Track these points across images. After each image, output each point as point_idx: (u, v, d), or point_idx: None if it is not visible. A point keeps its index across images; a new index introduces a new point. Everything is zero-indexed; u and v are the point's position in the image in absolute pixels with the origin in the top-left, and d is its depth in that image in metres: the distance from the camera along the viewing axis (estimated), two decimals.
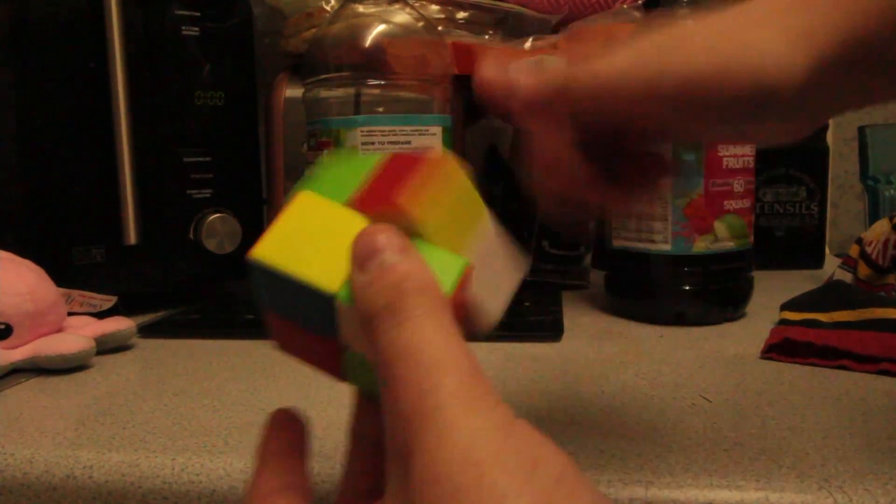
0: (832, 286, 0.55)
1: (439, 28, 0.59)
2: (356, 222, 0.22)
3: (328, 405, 0.38)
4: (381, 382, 0.19)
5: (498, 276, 0.25)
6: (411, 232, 0.22)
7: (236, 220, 0.63)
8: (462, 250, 0.23)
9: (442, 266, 0.21)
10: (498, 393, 0.18)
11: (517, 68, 0.26)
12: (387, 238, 0.20)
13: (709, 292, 0.54)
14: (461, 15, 0.64)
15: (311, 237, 0.22)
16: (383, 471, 0.23)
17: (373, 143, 0.48)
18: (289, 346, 0.25)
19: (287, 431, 0.24)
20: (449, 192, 0.24)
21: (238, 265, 0.64)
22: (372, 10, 0.50)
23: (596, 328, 0.53)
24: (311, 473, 0.24)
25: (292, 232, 0.22)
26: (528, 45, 0.62)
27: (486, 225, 0.25)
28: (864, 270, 0.59)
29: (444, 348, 0.19)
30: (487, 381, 0.18)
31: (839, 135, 0.94)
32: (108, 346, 0.49)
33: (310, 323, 0.23)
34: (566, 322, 0.54)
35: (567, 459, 0.18)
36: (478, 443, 0.17)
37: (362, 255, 0.20)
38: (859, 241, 0.60)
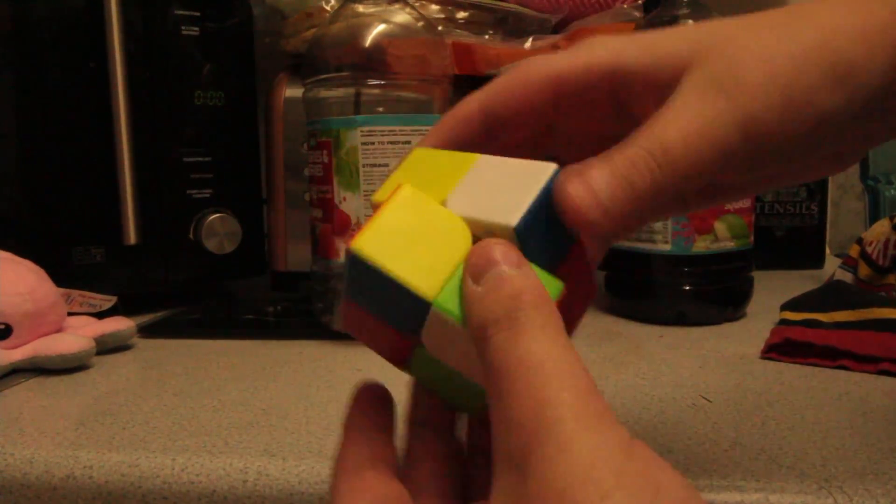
0: (832, 286, 0.55)
1: (439, 28, 0.59)
2: (457, 227, 0.22)
3: (328, 405, 0.38)
4: (491, 391, 0.19)
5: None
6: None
7: (236, 220, 0.63)
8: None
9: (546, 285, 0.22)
10: (614, 412, 0.18)
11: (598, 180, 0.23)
12: (503, 252, 0.21)
13: (709, 292, 0.54)
14: (461, 15, 0.64)
15: (411, 236, 0.22)
16: (444, 455, 0.24)
17: (373, 143, 0.48)
18: (357, 330, 0.25)
19: (371, 405, 0.25)
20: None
21: (238, 265, 0.64)
22: (372, 9, 0.50)
23: (596, 328, 0.53)
24: (394, 446, 0.25)
25: (394, 228, 0.22)
26: (528, 45, 0.62)
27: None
28: (864, 270, 0.59)
29: (561, 361, 0.19)
30: (603, 399, 0.18)
31: None
32: (108, 347, 0.49)
33: (392, 318, 0.23)
34: None
35: (690, 485, 0.17)
36: (598, 461, 0.17)
37: (478, 267, 0.21)
38: (860, 241, 0.60)
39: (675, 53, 0.24)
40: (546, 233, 0.23)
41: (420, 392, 0.26)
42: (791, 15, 0.24)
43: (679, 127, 0.23)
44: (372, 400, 0.25)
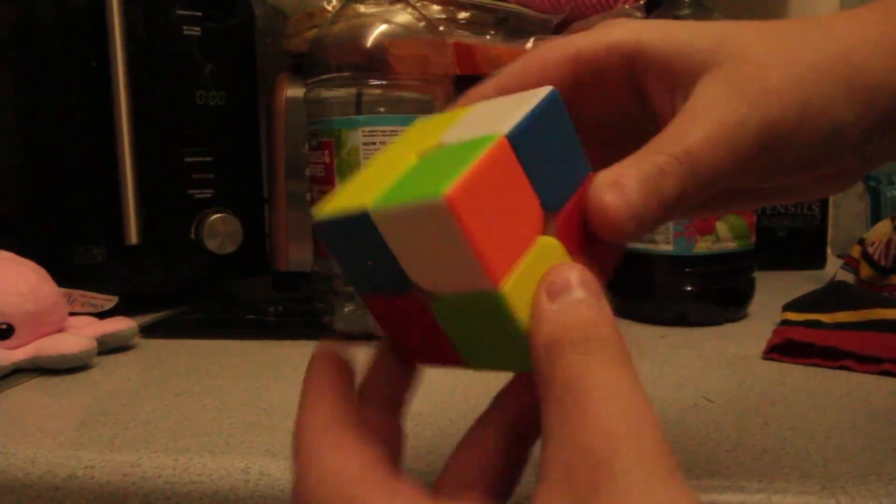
0: (834, 287, 0.55)
1: (440, 28, 0.59)
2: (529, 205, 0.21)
3: None
4: (555, 406, 0.19)
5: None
6: None
7: (237, 220, 0.63)
8: None
9: None
10: (680, 467, 0.18)
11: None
12: (581, 276, 0.20)
13: (711, 293, 0.54)
14: (462, 15, 0.64)
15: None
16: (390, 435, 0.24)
17: (374, 144, 0.48)
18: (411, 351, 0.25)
19: (331, 371, 0.23)
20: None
21: (239, 265, 0.64)
22: (373, 9, 0.50)
23: None
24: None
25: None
26: (529, 45, 0.62)
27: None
28: (866, 271, 0.59)
29: (637, 401, 0.18)
30: (671, 452, 0.18)
31: None
32: (110, 346, 0.49)
33: (387, 281, 0.22)
34: None
35: None
36: None
37: (556, 286, 0.20)
38: (861, 242, 0.60)
39: (697, 47, 0.24)
40: (553, 156, 0.22)
41: (374, 368, 0.25)
42: (811, 26, 0.24)
43: (704, 132, 0.23)
44: (331, 367, 0.23)
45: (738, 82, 0.23)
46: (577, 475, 0.18)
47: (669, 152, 0.23)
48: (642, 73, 0.26)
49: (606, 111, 0.28)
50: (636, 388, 0.19)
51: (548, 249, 0.21)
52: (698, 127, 0.23)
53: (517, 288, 0.20)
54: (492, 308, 0.20)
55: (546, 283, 0.20)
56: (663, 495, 0.17)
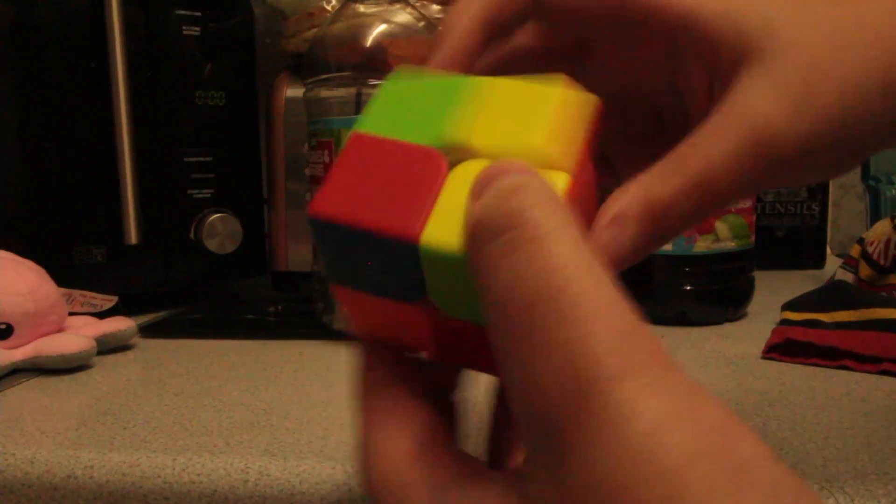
0: (833, 286, 0.55)
1: (440, 28, 0.59)
2: (428, 156, 0.19)
3: (329, 405, 0.38)
4: (498, 338, 0.15)
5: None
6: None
7: (237, 220, 0.63)
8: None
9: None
10: (663, 344, 0.14)
11: None
12: (511, 162, 0.17)
13: (710, 292, 0.54)
14: None
15: (373, 180, 0.19)
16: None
17: None
18: (364, 322, 0.22)
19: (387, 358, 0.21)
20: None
21: (239, 265, 0.64)
22: (373, 9, 0.50)
23: None
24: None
25: (351, 178, 0.19)
26: None
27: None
28: (865, 270, 0.59)
29: (593, 286, 0.14)
30: (651, 336, 0.14)
31: None
32: (109, 346, 0.49)
33: (390, 286, 0.20)
34: None
35: (778, 458, 0.13)
36: (661, 439, 0.13)
37: (482, 180, 0.17)
38: (861, 241, 0.60)
39: (744, 28, 0.21)
40: None
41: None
42: (872, 13, 0.21)
43: (734, 146, 0.20)
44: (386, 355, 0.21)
45: (785, 86, 0.20)
46: (546, 426, 0.14)
47: (691, 173, 0.20)
48: (686, 44, 0.22)
49: (630, 74, 0.25)
50: (583, 263, 0.15)
51: (466, 175, 0.18)
52: (728, 141, 0.20)
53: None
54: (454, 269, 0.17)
55: (473, 186, 0.17)
56: (655, 405, 0.13)
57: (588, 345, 0.14)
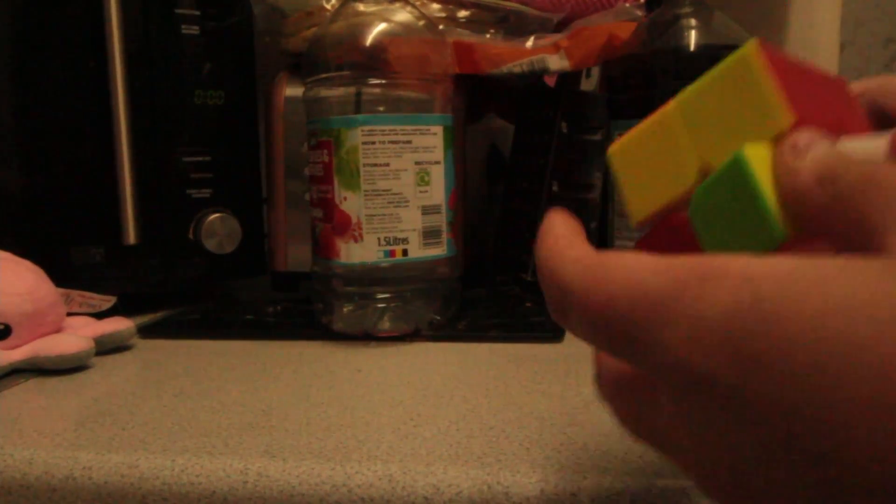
0: None
1: (440, 27, 0.59)
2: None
3: (328, 406, 0.38)
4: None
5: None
6: None
7: (236, 219, 0.63)
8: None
9: None
10: None
11: None
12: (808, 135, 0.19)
13: None
14: (462, 13, 0.64)
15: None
16: None
17: (373, 143, 0.48)
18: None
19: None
20: None
21: (238, 265, 0.64)
22: (373, 8, 0.50)
23: None
24: None
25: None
26: (529, 44, 0.62)
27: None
28: None
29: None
30: None
31: None
32: (108, 347, 0.49)
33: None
34: None
35: None
36: None
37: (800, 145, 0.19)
38: None
39: None
40: None
41: None
42: None
43: None
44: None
45: None
46: None
47: None
48: None
49: None
50: None
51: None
52: None
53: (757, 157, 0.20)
54: (740, 179, 0.20)
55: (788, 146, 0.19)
56: None
57: None
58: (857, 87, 0.27)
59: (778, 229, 0.19)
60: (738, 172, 0.20)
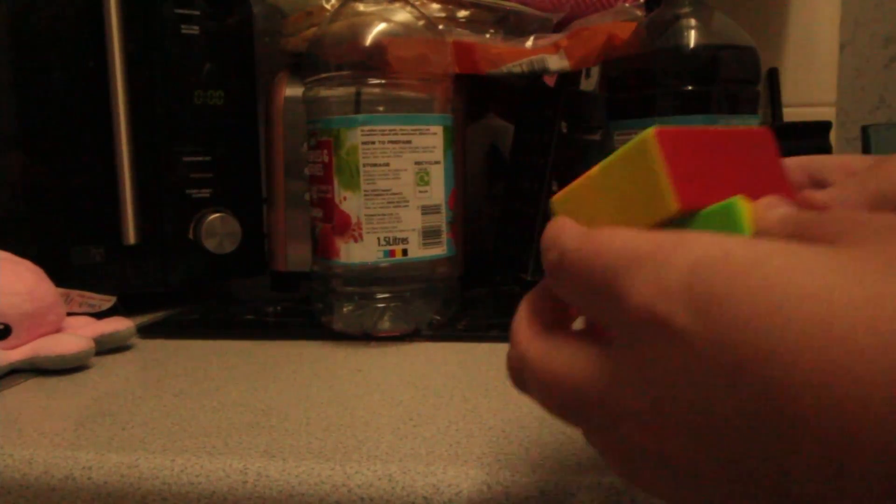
0: None
1: (440, 27, 0.59)
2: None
3: (328, 405, 0.38)
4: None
5: None
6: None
7: (236, 219, 0.63)
8: None
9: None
10: None
11: None
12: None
13: None
14: (462, 13, 0.64)
15: None
16: None
17: (373, 143, 0.48)
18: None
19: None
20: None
21: (238, 265, 0.64)
22: (372, 8, 0.50)
23: None
24: None
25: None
26: (529, 44, 0.62)
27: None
28: None
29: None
30: None
31: (842, 134, 0.94)
32: (108, 347, 0.49)
33: None
34: None
35: None
36: None
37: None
38: None
39: None
40: None
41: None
42: None
43: None
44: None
45: None
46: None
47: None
48: None
49: None
50: None
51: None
52: None
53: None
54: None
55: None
56: None
57: None
58: (794, 162, 0.29)
59: None
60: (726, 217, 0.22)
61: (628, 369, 0.19)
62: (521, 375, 0.24)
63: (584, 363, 0.21)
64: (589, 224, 0.24)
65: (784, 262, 0.16)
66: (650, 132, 0.22)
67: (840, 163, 0.29)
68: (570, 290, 0.22)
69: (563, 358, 0.22)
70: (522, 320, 0.25)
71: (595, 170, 0.25)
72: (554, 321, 0.25)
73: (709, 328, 0.16)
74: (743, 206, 0.21)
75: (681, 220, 0.22)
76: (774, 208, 0.21)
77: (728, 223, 0.21)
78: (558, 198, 0.27)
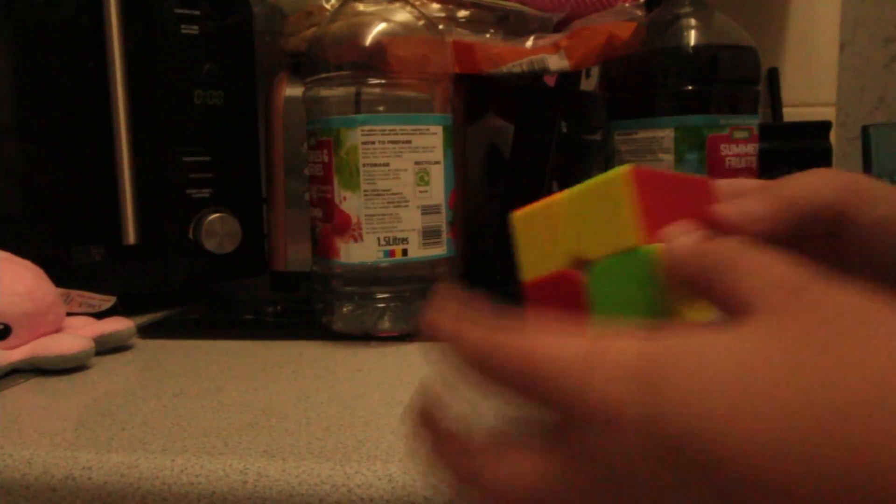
0: None
1: (440, 26, 0.59)
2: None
3: (328, 405, 0.38)
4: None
5: None
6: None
7: (236, 219, 0.63)
8: None
9: None
10: None
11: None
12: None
13: None
14: (462, 13, 0.64)
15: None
16: None
17: (373, 143, 0.48)
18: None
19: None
20: None
21: (238, 265, 0.64)
22: (372, 8, 0.50)
23: None
24: None
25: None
26: (529, 43, 0.62)
27: None
28: None
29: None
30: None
31: (843, 134, 0.94)
32: (108, 347, 0.49)
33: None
34: None
35: None
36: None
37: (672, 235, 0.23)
38: None
39: None
40: None
41: None
42: None
43: None
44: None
45: None
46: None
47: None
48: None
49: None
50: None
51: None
52: None
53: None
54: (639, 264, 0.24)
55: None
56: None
57: None
58: (724, 184, 0.30)
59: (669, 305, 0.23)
60: (636, 258, 0.24)
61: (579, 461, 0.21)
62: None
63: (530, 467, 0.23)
64: (549, 244, 0.26)
65: (701, 361, 0.18)
66: (626, 169, 0.24)
67: (760, 185, 0.30)
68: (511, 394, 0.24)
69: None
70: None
71: (563, 195, 0.26)
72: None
73: (655, 408, 0.18)
74: (648, 251, 0.23)
75: (624, 254, 0.24)
76: (677, 239, 0.23)
77: (640, 265, 0.23)
78: (519, 215, 0.27)
